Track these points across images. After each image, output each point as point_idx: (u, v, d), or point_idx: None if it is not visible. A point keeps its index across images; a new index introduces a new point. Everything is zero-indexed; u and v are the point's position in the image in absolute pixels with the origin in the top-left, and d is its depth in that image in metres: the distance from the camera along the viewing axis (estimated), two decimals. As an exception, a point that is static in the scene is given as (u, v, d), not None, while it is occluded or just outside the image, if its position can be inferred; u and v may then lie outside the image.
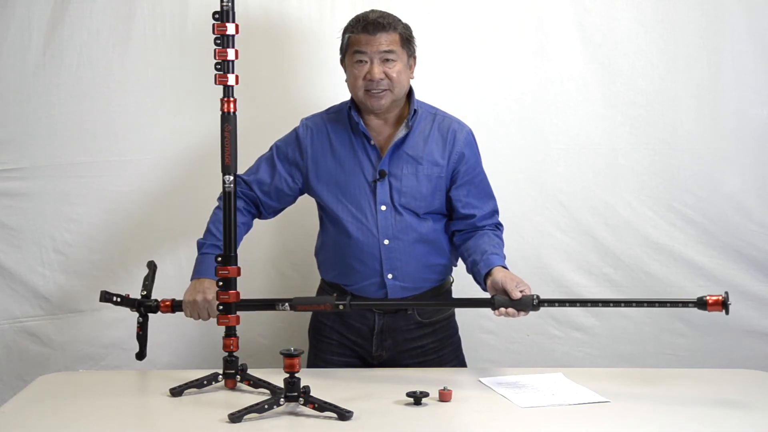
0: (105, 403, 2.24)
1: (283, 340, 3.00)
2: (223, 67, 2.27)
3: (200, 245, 2.52)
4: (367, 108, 2.51)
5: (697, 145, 3.09)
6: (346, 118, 2.56)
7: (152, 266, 2.45)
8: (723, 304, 2.22)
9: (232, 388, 2.33)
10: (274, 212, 2.65)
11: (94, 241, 3.04)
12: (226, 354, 2.33)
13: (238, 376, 2.32)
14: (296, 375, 2.12)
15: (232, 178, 2.31)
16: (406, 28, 2.51)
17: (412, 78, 2.56)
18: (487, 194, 2.59)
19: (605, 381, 2.37)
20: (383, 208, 2.50)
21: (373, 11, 2.49)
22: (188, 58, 2.99)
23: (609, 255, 3.13)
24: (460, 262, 2.63)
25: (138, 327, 2.41)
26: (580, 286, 3.13)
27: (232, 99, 2.31)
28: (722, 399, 2.25)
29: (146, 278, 2.44)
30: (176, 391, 2.27)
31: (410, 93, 2.56)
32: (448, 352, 2.62)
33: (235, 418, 2.06)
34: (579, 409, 2.17)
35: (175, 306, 2.44)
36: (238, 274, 2.35)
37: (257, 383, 2.30)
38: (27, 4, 2.95)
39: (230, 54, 2.27)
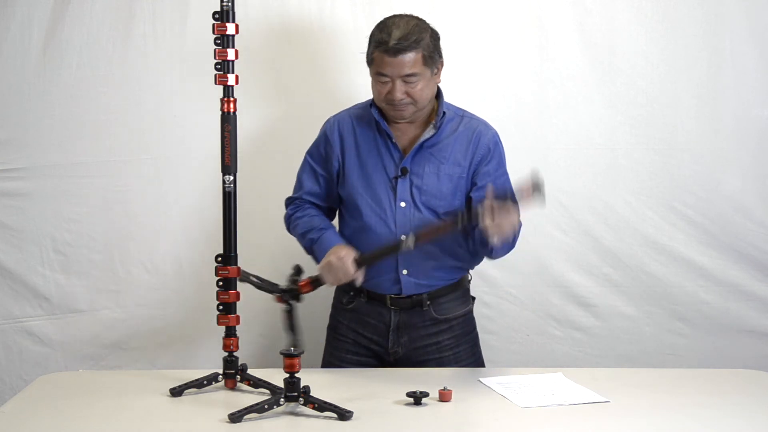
0: (105, 403, 2.24)
1: (283, 340, 3.00)
2: (223, 67, 2.28)
3: (310, 242, 2.53)
4: (390, 117, 2.53)
5: (697, 145, 3.09)
6: (371, 114, 2.57)
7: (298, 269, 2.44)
8: (534, 187, 2.28)
9: (232, 388, 2.33)
10: (334, 213, 2.68)
11: (94, 241, 3.04)
12: (226, 354, 2.33)
13: (238, 376, 2.33)
14: (296, 375, 2.12)
15: (232, 178, 2.32)
16: (433, 38, 2.47)
17: (439, 82, 2.54)
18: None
19: (605, 381, 2.37)
20: (402, 204, 2.50)
21: (396, 26, 2.42)
22: (188, 58, 2.99)
23: (609, 255, 3.12)
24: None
25: (286, 316, 2.38)
26: (580, 286, 3.13)
27: (232, 99, 2.31)
28: (722, 399, 2.26)
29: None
30: (176, 391, 2.28)
31: (439, 94, 2.56)
32: (464, 349, 2.62)
33: (235, 418, 2.07)
34: (579, 409, 2.17)
35: (313, 282, 2.43)
36: (238, 274, 2.35)
37: (257, 383, 2.30)
38: (27, 4, 2.95)
39: (230, 54, 2.27)
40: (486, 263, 3.07)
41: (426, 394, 2.19)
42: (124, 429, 2.08)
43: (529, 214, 3.09)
